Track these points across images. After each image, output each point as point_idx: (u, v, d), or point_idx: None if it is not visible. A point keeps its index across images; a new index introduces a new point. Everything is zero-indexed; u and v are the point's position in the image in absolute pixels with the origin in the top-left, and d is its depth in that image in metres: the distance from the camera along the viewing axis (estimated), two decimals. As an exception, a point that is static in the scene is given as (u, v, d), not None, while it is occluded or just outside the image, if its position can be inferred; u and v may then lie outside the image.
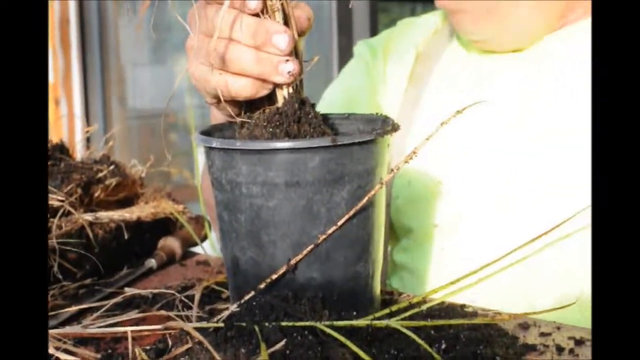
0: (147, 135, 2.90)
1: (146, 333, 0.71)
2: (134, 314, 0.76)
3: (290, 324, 0.64)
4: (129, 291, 0.82)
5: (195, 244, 1.03)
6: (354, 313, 0.69)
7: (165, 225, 1.01)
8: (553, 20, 1.04)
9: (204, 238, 1.03)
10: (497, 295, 0.92)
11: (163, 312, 0.75)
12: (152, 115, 2.82)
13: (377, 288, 0.74)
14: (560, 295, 0.97)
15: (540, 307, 0.93)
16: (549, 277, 0.98)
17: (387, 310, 0.68)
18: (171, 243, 0.98)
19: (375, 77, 1.20)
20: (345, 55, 2.50)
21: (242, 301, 0.69)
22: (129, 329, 0.70)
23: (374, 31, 2.47)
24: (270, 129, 0.70)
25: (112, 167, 0.97)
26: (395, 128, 0.71)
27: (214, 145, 0.69)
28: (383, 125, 0.73)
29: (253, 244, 0.70)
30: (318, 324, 0.64)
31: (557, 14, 1.03)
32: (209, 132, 0.76)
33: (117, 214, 0.94)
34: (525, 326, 0.73)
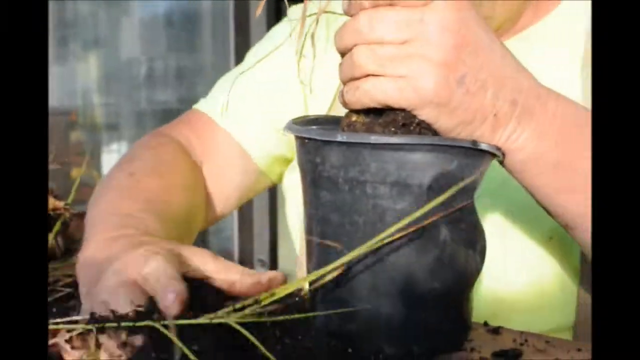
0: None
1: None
2: None
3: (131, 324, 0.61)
4: None
5: (81, 240, 1.02)
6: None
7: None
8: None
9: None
10: None
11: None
12: (57, 113, 2.78)
13: None
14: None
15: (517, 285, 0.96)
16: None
17: (231, 308, 0.63)
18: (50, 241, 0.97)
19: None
20: (242, 53, 2.52)
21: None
22: None
23: (271, 24, 2.50)
24: (381, 120, 0.65)
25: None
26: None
27: (338, 138, 0.63)
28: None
29: (371, 250, 0.64)
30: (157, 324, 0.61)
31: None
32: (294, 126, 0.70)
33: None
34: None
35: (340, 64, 0.67)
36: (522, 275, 0.96)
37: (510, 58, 0.68)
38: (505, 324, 0.76)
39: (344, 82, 0.68)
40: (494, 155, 0.67)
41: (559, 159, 0.70)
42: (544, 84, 0.70)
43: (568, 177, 0.71)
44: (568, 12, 0.99)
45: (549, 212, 0.75)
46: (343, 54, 0.67)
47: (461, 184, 0.63)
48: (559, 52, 0.97)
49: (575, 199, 0.71)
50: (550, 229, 0.94)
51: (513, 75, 0.67)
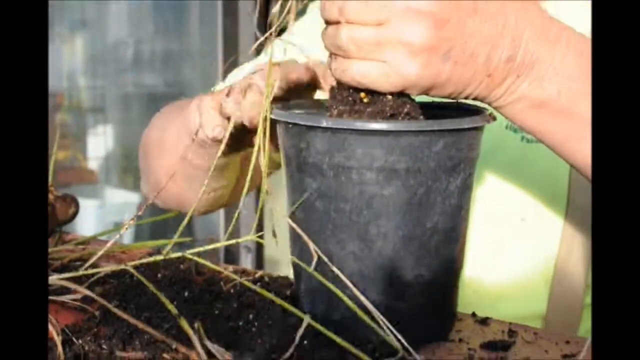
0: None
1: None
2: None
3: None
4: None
5: (65, 223, 1.01)
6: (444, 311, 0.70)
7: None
8: None
9: (71, 217, 1.02)
10: None
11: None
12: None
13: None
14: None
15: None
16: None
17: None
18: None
19: None
20: (230, 38, 2.48)
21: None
22: None
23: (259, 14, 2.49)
24: (370, 109, 0.65)
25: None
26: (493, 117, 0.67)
27: (323, 124, 0.62)
28: (476, 113, 0.68)
29: (357, 236, 0.64)
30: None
31: None
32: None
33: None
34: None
35: (324, 32, 0.66)
36: (490, 258, 0.95)
37: (508, 9, 0.64)
38: (472, 309, 0.75)
39: (329, 53, 0.66)
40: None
41: (563, 106, 0.67)
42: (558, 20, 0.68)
43: (573, 124, 0.68)
44: (553, 13, 0.98)
45: (564, 160, 0.73)
46: (327, 23, 0.66)
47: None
48: None
49: (583, 147, 0.68)
50: (523, 210, 0.93)
51: (510, 28, 0.64)
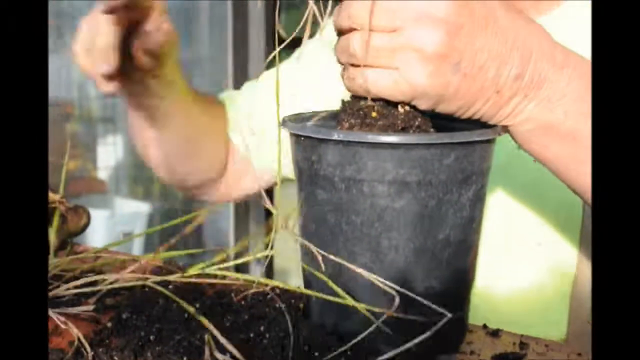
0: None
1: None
2: None
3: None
4: None
5: (77, 234, 1.02)
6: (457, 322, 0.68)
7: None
8: None
9: (83, 228, 1.02)
10: None
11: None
12: (51, 104, 2.76)
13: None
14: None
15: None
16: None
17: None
18: (46, 234, 0.96)
19: None
20: (240, 45, 2.49)
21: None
22: None
23: (269, 16, 2.48)
24: (381, 123, 0.65)
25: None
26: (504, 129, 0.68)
27: (334, 137, 0.63)
28: (487, 125, 0.68)
29: (369, 249, 0.64)
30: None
31: None
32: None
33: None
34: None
35: (337, 43, 0.66)
36: (504, 282, 0.94)
37: (518, 27, 0.64)
38: (485, 322, 0.74)
39: (340, 64, 0.66)
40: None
41: (569, 130, 0.66)
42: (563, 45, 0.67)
43: (578, 147, 0.67)
44: (570, 14, 0.98)
45: (567, 186, 0.72)
46: (339, 34, 0.66)
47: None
48: None
49: (587, 170, 0.66)
50: (540, 234, 0.92)
51: (519, 45, 0.64)
